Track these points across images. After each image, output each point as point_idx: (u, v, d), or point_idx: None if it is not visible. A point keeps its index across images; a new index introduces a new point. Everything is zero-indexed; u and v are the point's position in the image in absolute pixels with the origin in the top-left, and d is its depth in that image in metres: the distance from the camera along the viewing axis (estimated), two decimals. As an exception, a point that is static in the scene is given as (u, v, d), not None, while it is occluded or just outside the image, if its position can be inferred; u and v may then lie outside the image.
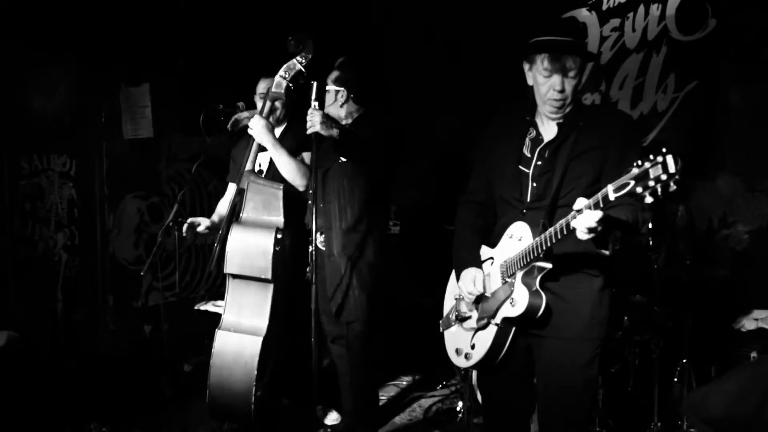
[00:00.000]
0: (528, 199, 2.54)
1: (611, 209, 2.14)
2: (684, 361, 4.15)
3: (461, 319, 2.74)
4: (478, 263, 2.68)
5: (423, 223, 5.08)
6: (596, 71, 5.01)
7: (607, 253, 2.25)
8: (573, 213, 2.13)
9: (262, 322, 3.64)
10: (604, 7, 5.10)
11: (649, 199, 1.84)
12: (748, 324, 4.57)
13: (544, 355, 2.56)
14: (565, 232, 2.23)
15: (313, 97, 3.61)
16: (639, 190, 1.85)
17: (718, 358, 4.43)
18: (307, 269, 3.69)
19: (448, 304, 2.92)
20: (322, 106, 3.63)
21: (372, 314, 3.96)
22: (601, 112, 2.84)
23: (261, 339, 3.61)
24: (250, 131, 3.77)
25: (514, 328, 2.55)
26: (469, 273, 2.62)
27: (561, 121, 2.54)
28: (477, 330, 2.63)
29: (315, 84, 3.62)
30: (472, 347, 2.64)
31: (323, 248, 3.92)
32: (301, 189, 3.90)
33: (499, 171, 2.64)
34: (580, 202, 2.11)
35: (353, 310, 3.97)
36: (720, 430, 3.57)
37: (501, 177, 2.63)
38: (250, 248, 3.61)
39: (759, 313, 4.57)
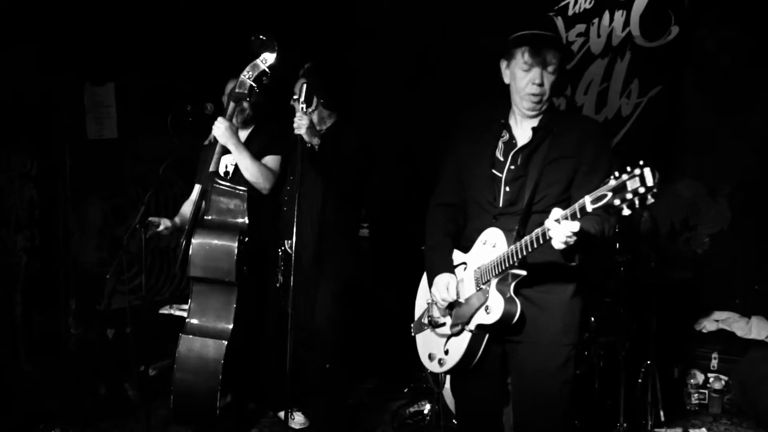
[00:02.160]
0: (501, 204, 2.51)
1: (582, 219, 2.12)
2: (648, 362, 4.23)
3: (434, 324, 2.70)
4: (451, 268, 2.64)
5: (393, 224, 5.04)
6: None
7: (573, 264, 2.26)
8: (549, 222, 2.12)
9: (227, 326, 3.60)
10: (570, 12, 5.16)
11: (626, 212, 1.83)
12: (709, 325, 4.76)
13: (519, 359, 2.54)
14: (541, 242, 2.21)
15: (302, 98, 3.63)
16: (617, 202, 1.84)
17: (681, 358, 4.66)
18: (279, 275, 3.82)
19: (420, 307, 2.89)
20: (309, 105, 3.63)
21: (341, 318, 3.93)
22: (573, 117, 2.88)
23: (225, 343, 3.58)
24: (213, 133, 3.76)
25: (488, 335, 2.54)
26: (443, 279, 2.58)
27: (536, 124, 2.52)
28: (450, 336, 2.61)
29: (304, 85, 3.63)
30: (446, 353, 2.62)
31: (292, 253, 3.85)
32: (263, 192, 3.87)
33: (471, 173, 2.61)
34: (557, 212, 2.10)
35: (322, 314, 3.93)
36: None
37: (473, 180, 2.60)
38: (213, 251, 3.59)
39: (719, 315, 4.76)
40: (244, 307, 3.68)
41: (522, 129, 2.56)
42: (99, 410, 4.27)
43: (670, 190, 4.85)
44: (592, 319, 4.06)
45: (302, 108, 3.49)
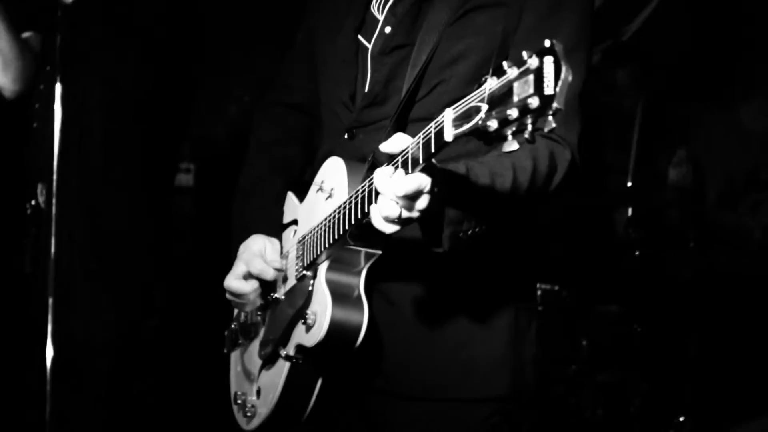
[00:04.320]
0: (359, 102, 1.91)
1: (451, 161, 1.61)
2: (681, 419, 3.39)
3: (243, 333, 2.14)
4: (273, 227, 2.04)
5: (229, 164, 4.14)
6: None
7: (438, 250, 1.65)
8: (380, 170, 1.53)
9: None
10: None
11: (511, 146, 1.27)
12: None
13: (392, 428, 1.92)
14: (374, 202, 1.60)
15: None
16: (491, 124, 1.28)
17: (740, 413, 3.57)
18: (26, 254, 3.16)
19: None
20: None
21: (127, 328, 3.27)
22: None
23: None
24: None
25: (319, 371, 1.92)
26: (254, 244, 1.98)
27: None
28: (263, 364, 2.01)
29: None
30: (257, 394, 2.04)
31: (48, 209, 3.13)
32: (9, 95, 3.14)
33: (324, 47, 2.00)
34: (393, 144, 1.51)
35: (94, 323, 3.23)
36: None
37: (327, 58, 2.00)
38: None
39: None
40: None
41: None
42: None
43: (727, 121, 4.06)
44: (584, 342, 3.49)
45: None
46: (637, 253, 3.42)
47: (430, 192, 1.50)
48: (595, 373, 3.44)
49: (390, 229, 1.54)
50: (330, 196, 1.88)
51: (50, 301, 2.99)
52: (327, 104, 2.04)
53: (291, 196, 2.12)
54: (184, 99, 3.34)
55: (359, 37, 1.97)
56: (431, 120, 1.53)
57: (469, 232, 1.63)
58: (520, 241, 1.92)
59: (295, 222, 2.06)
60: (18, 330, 3.28)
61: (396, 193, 1.48)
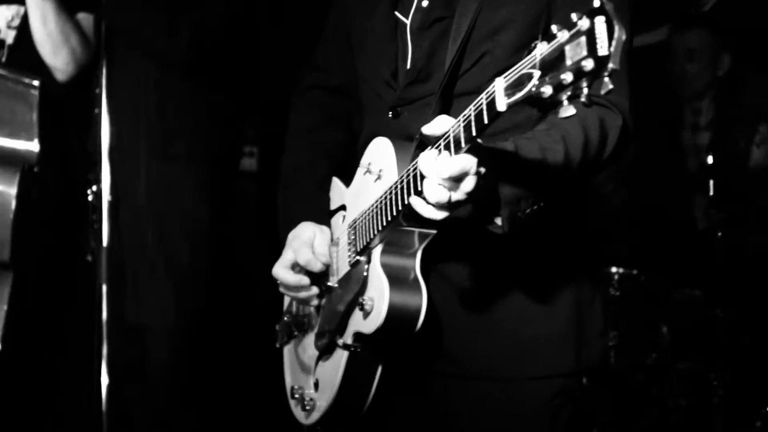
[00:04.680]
0: (402, 80, 1.83)
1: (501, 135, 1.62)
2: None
3: (298, 327, 2.05)
4: (322, 214, 1.97)
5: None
6: None
7: (498, 231, 1.60)
8: (425, 155, 1.50)
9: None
10: None
11: (567, 111, 1.22)
12: None
13: (456, 410, 1.86)
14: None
15: None
16: (546, 90, 1.23)
17: None
18: (90, 242, 3.09)
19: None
20: None
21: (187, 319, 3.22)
22: None
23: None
24: None
25: (381, 357, 1.86)
26: (303, 234, 1.93)
27: None
28: (320, 355, 1.95)
29: None
30: (315, 387, 1.98)
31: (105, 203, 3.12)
32: (61, 78, 3.07)
33: (361, 26, 1.92)
34: (435, 126, 1.49)
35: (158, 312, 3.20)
36: None
37: (365, 38, 1.91)
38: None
39: None
40: (28, 308, 3.02)
41: None
42: None
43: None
44: (665, 329, 3.41)
45: None
46: (719, 234, 3.29)
47: (477, 173, 1.48)
48: (677, 362, 3.38)
49: (439, 215, 1.52)
50: (379, 177, 1.84)
51: (104, 288, 2.98)
52: (368, 84, 1.98)
53: (337, 182, 2.08)
54: (243, 74, 3.25)
55: (396, 13, 1.91)
56: (479, 93, 1.49)
57: (527, 211, 1.60)
58: (579, 214, 1.87)
59: (343, 207, 2.02)
60: (83, 320, 3.18)
61: (441, 175, 1.45)
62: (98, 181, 3.13)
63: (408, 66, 1.84)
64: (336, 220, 2.00)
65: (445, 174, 1.46)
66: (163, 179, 3.16)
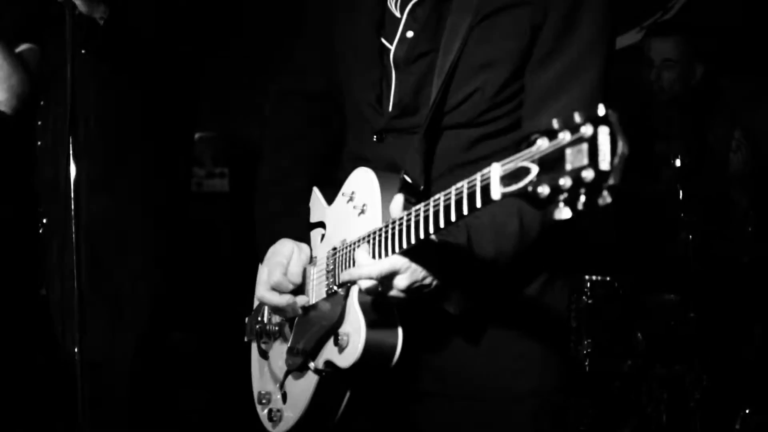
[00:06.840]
0: (390, 108, 1.82)
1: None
2: (746, 411, 3.34)
3: (268, 335, 2.04)
4: (301, 228, 1.95)
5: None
6: None
7: (451, 311, 1.67)
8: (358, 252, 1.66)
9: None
10: None
11: (562, 214, 1.21)
12: None
13: (439, 430, 1.89)
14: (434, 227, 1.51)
15: None
16: (543, 191, 1.24)
17: None
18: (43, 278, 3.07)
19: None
20: None
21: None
22: None
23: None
24: None
25: (348, 384, 1.88)
26: (280, 251, 1.89)
27: None
28: (289, 370, 1.97)
29: None
30: (284, 399, 1.98)
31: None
32: (7, 112, 3.06)
33: (346, 41, 1.91)
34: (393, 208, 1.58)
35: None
36: None
37: (347, 55, 1.90)
38: None
39: None
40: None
41: None
42: None
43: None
44: (639, 334, 3.44)
45: None
46: (690, 237, 3.28)
47: (407, 270, 1.55)
48: (653, 367, 3.36)
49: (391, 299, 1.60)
50: (362, 212, 1.83)
51: (61, 322, 2.89)
52: (352, 102, 1.96)
53: (317, 194, 2.04)
54: (188, 101, 3.16)
55: (381, 39, 1.88)
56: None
57: (476, 297, 1.67)
58: (561, 235, 1.87)
59: (322, 224, 2.00)
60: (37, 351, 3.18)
61: (369, 275, 1.55)
62: (47, 215, 3.11)
63: (393, 97, 1.85)
64: (315, 235, 1.99)
65: (373, 274, 1.57)
66: (106, 211, 3.05)
